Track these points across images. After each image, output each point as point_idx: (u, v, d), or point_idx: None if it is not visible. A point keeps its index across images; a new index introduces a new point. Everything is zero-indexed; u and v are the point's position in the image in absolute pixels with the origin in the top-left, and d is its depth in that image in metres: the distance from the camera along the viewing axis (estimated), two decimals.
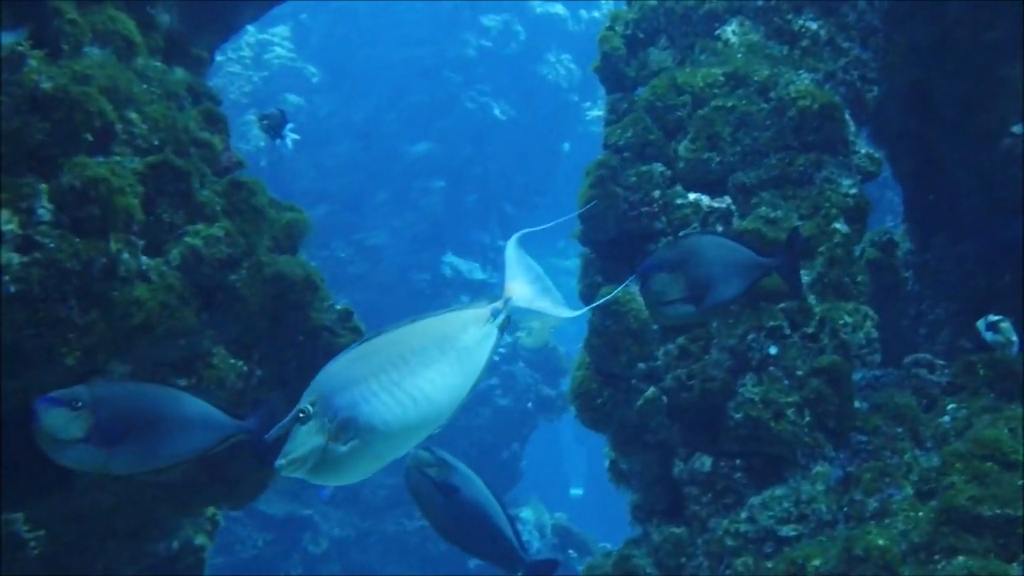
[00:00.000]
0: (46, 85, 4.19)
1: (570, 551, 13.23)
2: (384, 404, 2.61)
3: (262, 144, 13.54)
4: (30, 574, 4.32)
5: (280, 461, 2.59)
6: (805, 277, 4.91)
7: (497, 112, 16.27)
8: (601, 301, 3.09)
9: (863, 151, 5.27)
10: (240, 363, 4.67)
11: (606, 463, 5.62)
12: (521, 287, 2.76)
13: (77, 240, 4.14)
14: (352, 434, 2.59)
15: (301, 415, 2.61)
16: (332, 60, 16.14)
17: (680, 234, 4.94)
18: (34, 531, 4.23)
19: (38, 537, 4.25)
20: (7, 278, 3.94)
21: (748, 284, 4.20)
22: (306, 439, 2.60)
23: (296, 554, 12.56)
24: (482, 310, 2.74)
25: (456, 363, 2.67)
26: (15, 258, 3.98)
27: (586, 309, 2.96)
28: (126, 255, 4.31)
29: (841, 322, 4.80)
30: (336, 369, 2.67)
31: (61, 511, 4.36)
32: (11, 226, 4.00)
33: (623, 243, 5.31)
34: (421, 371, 2.64)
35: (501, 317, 2.72)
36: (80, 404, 3.40)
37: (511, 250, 2.80)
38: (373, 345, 2.66)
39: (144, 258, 4.41)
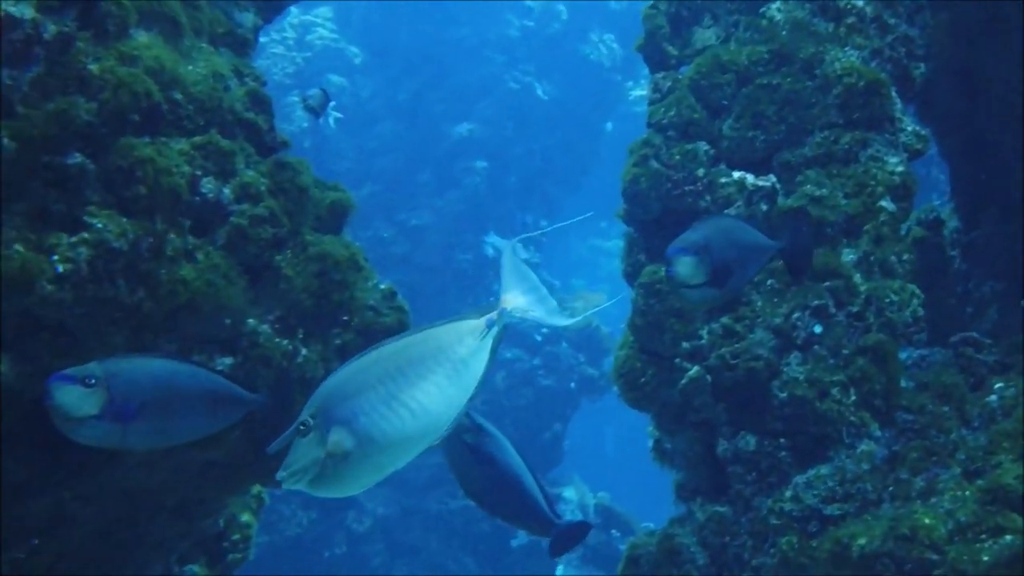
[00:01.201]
0: (93, 67, 4.23)
1: (613, 531, 13.23)
2: (382, 416, 2.65)
3: (305, 125, 13.60)
4: (80, 550, 4.37)
5: (281, 474, 2.64)
6: (851, 255, 4.88)
7: (540, 92, 16.24)
8: (597, 308, 3.09)
9: (910, 128, 5.22)
10: (285, 342, 4.70)
11: (650, 443, 5.62)
12: (516, 297, 2.77)
13: (124, 220, 4.18)
14: (352, 446, 2.63)
15: (301, 428, 2.65)
16: (374, 41, 16.14)
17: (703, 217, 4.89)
18: (83, 508, 4.27)
19: (87, 514, 4.29)
20: (56, 258, 3.98)
21: (761, 266, 4.19)
22: (306, 451, 2.64)
23: (340, 532, 12.63)
24: (478, 321, 2.76)
25: (452, 374, 2.71)
26: (64, 238, 4.02)
27: (580, 317, 2.98)
28: (172, 235, 4.34)
29: (887, 300, 4.77)
30: (335, 382, 2.71)
31: (110, 488, 4.41)
32: (59, 206, 4.04)
33: (667, 222, 5.30)
34: (418, 382, 2.68)
35: (496, 328, 2.75)
36: (93, 381, 3.37)
37: (507, 259, 2.82)
38: (372, 357, 2.70)
39: (190, 238, 4.44)
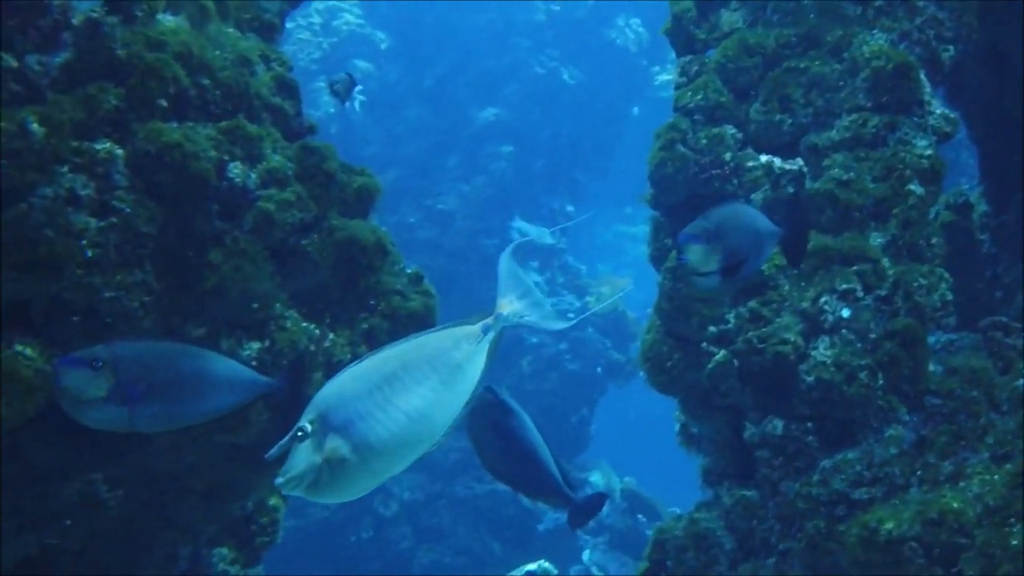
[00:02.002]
0: (121, 52, 4.25)
1: (639, 515, 13.23)
2: (378, 421, 2.66)
3: (332, 110, 13.61)
4: (110, 532, 4.40)
5: (279, 480, 2.65)
6: (879, 239, 4.86)
7: (566, 77, 16.21)
8: (587, 312, 3.11)
9: (939, 111, 5.19)
10: (312, 326, 4.72)
11: (676, 427, 5.62)
12: (511, 303, 2.80)
13: (152, 204, 4.20)
14: (348, 451, 2.65)
15: (299, 434, 2.67)
16: (401, 26, 16.14)
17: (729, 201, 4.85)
18: (113, 491, 4.30)
19: (117, 496, 4.32)
20: (85, 242, 4.00)
21: (770, 252, 4.18)
22: (304, 457, 2.66)
23: (367, 516, 12.67)
24: (473, 327, 2.78)
25: (448, 379, 2.73)
26: (92, 222, 4.04)
27: (574, 321, 2.98)
28: (200, 219, 4.36)
29: (916, 284, 4.74)
30: (333, 387, 2.72)
31: (139, 472, 4.44)
32: (88, 191, 4.06)
33: (693, 206, 5.28)
34: (414, 388, 2.70)
35: (492, 333, 2.77)
36: (100, 364, 3.37)
37: (503, 265, 2.83)
38: (369, 363, 2.73)
39: (218, 222, 4.45)
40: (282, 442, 2.67)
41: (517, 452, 3.83)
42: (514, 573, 4.54)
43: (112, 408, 3.39)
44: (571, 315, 3.04)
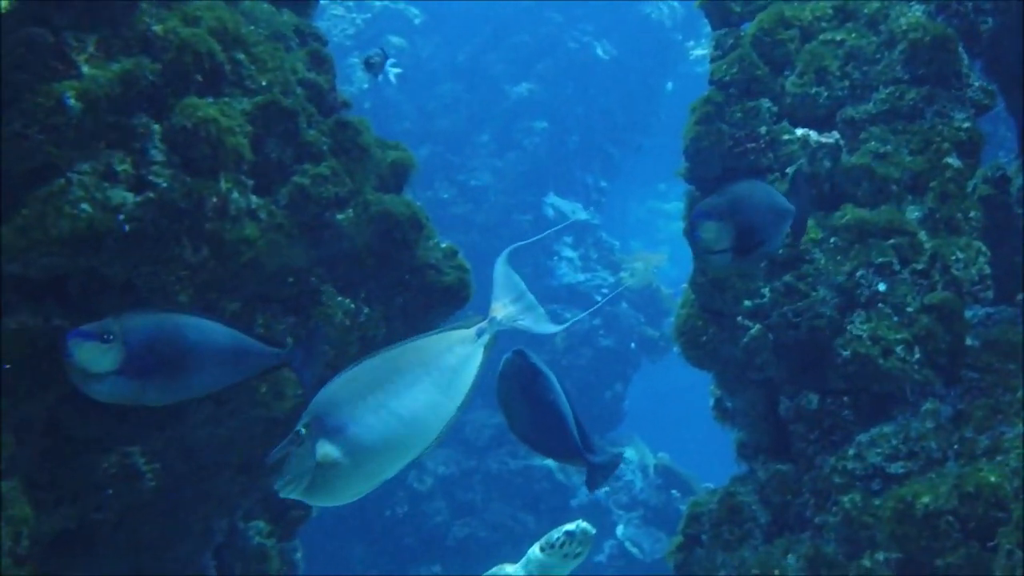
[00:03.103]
0: (156, 28, 4.27)
1: (673, 491, 13.23)
2: (370, 424, 2.70)
3: (366, 86, 13.61)
4: (147, 504, 4.44)
5: (278, 483, 2.70)
6: (916, 212, 4.83)
7: (600, 52, 16.13)
8: (578, 318, 3.13)
9: (976, 84, 5.14)
10: (347, 301, 4.74)
11: (711, 401, 5.61)
12: (505, 306, 2.84)
13: (188, 179, 4.22)
14: (342, 454, 2.68)
15: (296, 437, 2.70)
16: (434, 1, 16.11)
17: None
18: (150, 464, 4.34)
19: (154, 469, 4.35)
20: (122, 217, 4.03)
21: (785, 230, 4.17)
22: (301, 460, 2.69)
23: (402, 491, 12.72)
24: (467, 330, 2.82)
25: (441, 382, 2.77)
26: (129, 197, 4.06)
27: (566, 325, 3.00)
28: (236, 194, 4.38)
29: (953, 258, 4.71)
30: (329, 391, 2.76)
31: (176, 445, 4.47)
32: (125, 166, 4.09)
33: (729, 180, 5.26)
34: (406, 391, 2.73)
35: (486, 336, 2.81)
36: (111, 336, 3.33)
37: (498, 269, 2.86)
38: (365, 366, 2.77)
39: (253, 197, 4.47)
40: (280, 445, 2.71)
41: (541, 413, 3.86)
42: (553, 533, 4.55)
43: (123, 381, 3.36)
44: (568, 317, 3.13)
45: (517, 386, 3.81)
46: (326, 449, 2.69)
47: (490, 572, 4.71)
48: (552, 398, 3.91)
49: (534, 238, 3.16)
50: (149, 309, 3.79)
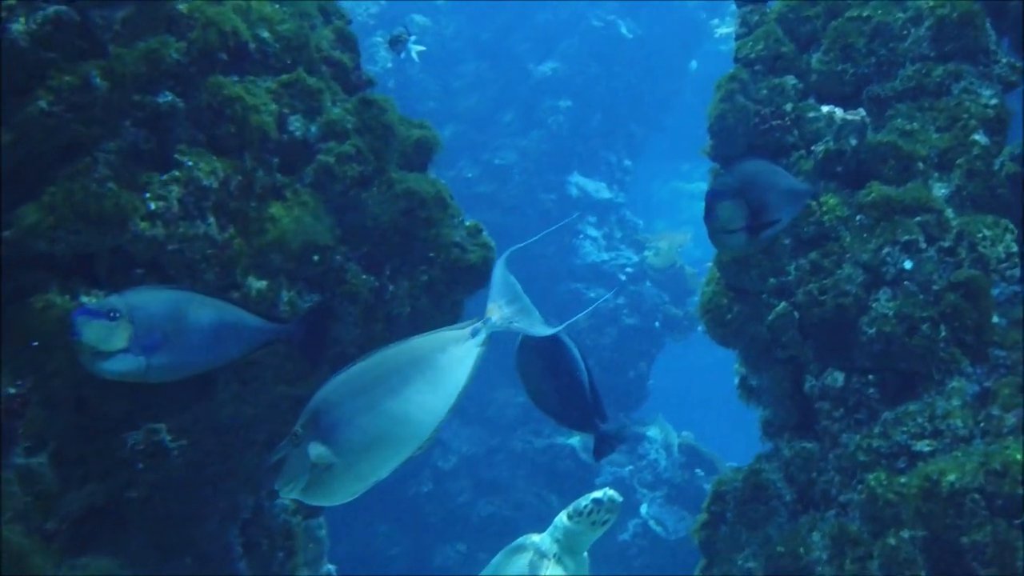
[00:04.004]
0: (181, 6, 4.28)
1: (697, 470, 13.22)
2: (361, 425, 2.74)
3: (390, 65, 13.61)
4: (174, 481, 4.47)
5: (278, 483, 2.76)
6: (942, 190, 4.80)
7: (624, 30, 16.06)
8: (574, 319, 3.13)
9: (1004, 60, 5.09)
10: (372, 278, 4.75)
11: (735, 379, 5.60)
12: (501, 308, 2.86)
13: (214, 158, 4.24)
14: (336, 455, 2.73)
15: (293, 438, 2.75)
16: None
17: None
18: (177, 440, 4.36)
19: (181, 446, 4.38)
20: (148, 195, 4.04)
21: (797, 211, 4.16)
22: (297, 461, 2.74)
23: (426, 470, 12.76)
24: (462, 330, 2.84)
25: (433, 382, 2.78)
26: (155, 176, 4.08)
27: (561, 327, 3.01)
28: (261, 172, 4.40)
29: (979, 235, 4.68)
30: (325, 391, 2.79)
31: (203, 423, 4.49)
32: (151, 144, 4.11)
33: (738, 160, 5.24)
34: (398, 391, 2.76)
35: (481, 336, 2.82)
36: (117, 314, 3.36)
37: (496, 272, 2.90)
38: (360, 367, 2.79)
39: (278, 175, 4.49)
40: (280, 446, 2.77)
41: (557, 380, 3.88)
42: (581, 500, 4.58)
43: (129, 359, 3.39)
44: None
45: (536, 354, 3.83)
46: (319, 450, 2.73)
47: (516, 542, 4.73)
48: (569, 367, 3.93)
49: (532, 239, 3.22)
50: (151, 286, 3.80)
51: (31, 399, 3.94)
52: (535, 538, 4.69)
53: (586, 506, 4.59)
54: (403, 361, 2.80)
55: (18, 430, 3.93)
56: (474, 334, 2.83)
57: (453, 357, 2.82)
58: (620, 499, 4.66)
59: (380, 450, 2.78)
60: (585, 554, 4.71)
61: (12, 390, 3.90)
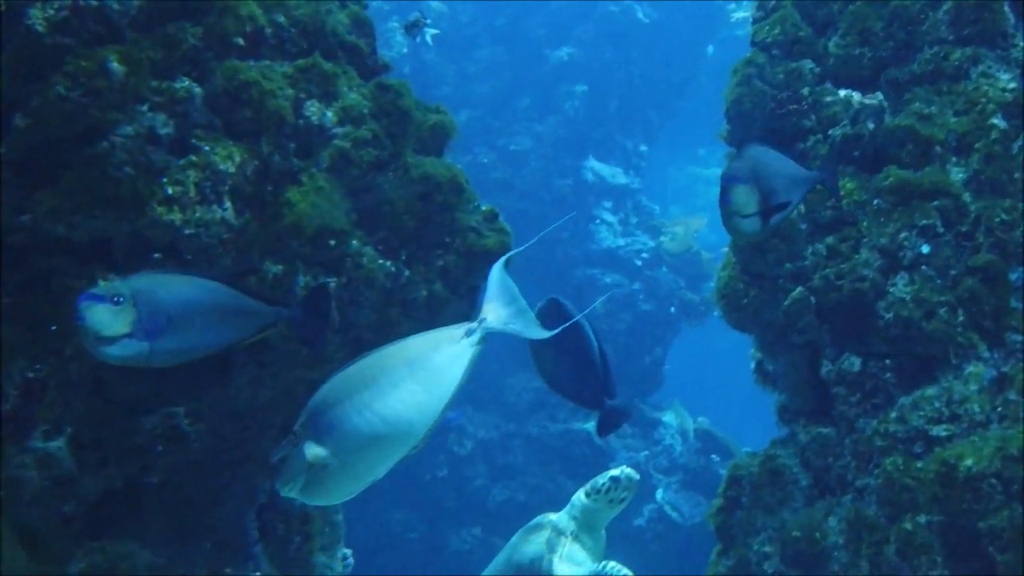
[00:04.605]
0: None
1: (713, 455, 13.22)
2: (355, 425, 2.75)
3: (405, 51, 13.59)
4: (192, 466, 4.48)
5: (277, 483, 2.80)
6: (960, 174, 4.78)
7: (640, 15, 16.00)
8: (567, 324, 3.13)
9: (1022, 44, 5.07)
10: (388, 263, 4.75)
11: (751, 364, 5.60)
12: (496, 309, 2.86)
13: (230, 142, 4.24)
14: (332, 455, 2.75)
15: (292, 438, 2.79)
16: None
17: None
18: (194, 424, 4.38)
19: (198, 430, 4.39)
20: (165, 180, 4.06)
21: (802, 197, 4.16)
22: (296, 461, 2.77)
23: (442, 455, 12.79)
24: (455, 330, 2.85)
25: (426, 382, 2.79)
26: (172, 160, 4.09)
27: (556, 331, 3.02)
28: (277, 157, 4.40)
29: (997, 220, 4.66)
30: (323, 391, 2.81)
31: (220, 407, 4.51)
32: (168, 129, 4.11)
33: (770, 142, 5.22)
34: (391, 391, 2.77)
35: (475, 336, 2.83)
36: (121, 299, 3.35)
37: (494, 274, 2.90)
38: (356, 367, 2.81)
39: (295, 160, 4.49)
40: (280, 445, 2.80)
41: (569, 356, 3.89)
42: (598, 478, 4.59)
43: (133, 344, 3.39)
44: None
45: (548, 325, 3.85)
46: (316, 450, 2.76)
47: (534, 520, 4.74)
48: (582, 344, 3.94)
49: (528, 243, 3.28)
50: (154, 270, 3.80)
51: (49, 383, 3.96)
52: (552, 517, 4.71)
53: (604, 484, 4.60)
54: (397, 361, 2.82)
55: (36, 414, 3.95)
56: (468, 334, 2.84)
57: (447, 357, 2.82)
58: (637, 477, 4.66)
59: (375, 450, 2.80)
60: (602, 532, 4.73)
61: (30, 374, 3.92)
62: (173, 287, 3.53)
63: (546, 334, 2.91)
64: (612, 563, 4.49)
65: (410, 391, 2.78)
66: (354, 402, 2.77)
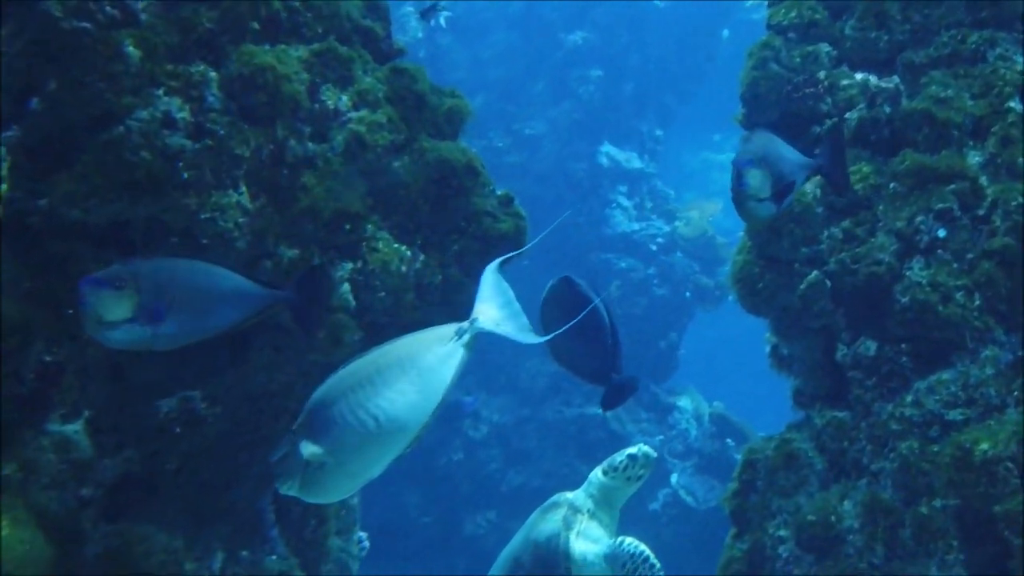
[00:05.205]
0: None
1: (728, 440, 13.21)
2: (349, 424, 2.79)
3: (420, 36, 13.57)
4: (208, 449, 4.50)
5: (276, 480, 2.84)
6: (977, 157, 4.76)
7: None
8: (558, 331, 3.12)
9: None
10: (404, 247, 4.75)
11: (767, 349, 5.59)
12: (490, 310, 2.87)
13: (246, 127, 4.25)
14: (328, 453, 2.80)
15: (291, 437, 2.83)
16: None
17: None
18: (211, 408, 4.39)
19: (215, 414, 4.41)
20: (181, 164, 4.06)
21: (803, 182, 4.15)
22: (294, 459, 2.81)
23: (457, 439, 12.82)
24: (447, 330, 2.87)
25: (417, 381, 2.82)
26: (188, 144, 4.09)
27: (547, 337, 3.01)
28: (293, 141, 4.41)
29: (1015, 203, 4.63)
30: (321, 390, 2.85)
31: (236, 390, 4.52)
32: (183, 114, 4.11)
33: (786, 126, 5.21)
34: (383, 391, 2.80)
35: (466, 336, 2.84)
36: (124, 284, 3.34)
37: (488, 274, 2.91)
38: (352, 366, 2.84)
39: (310, 144, 4.49)
40: (280, 443, 2.84)
41: (580, 333, 3.91)
42: (616, 456, 4.60)
43: (136, 328, 3.38)
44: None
45: (559, 302, 3.86)
46: (312, 448, 2.81)
47: (550, 499, 4.75)
48: (594, 321, 3.96)
49: (524, 248, 3.34)
50: (156, 255, 3.80)
51: (66, 367, 3.97)
52: (569, 495, 4.71)
53: (621, 461, 4.60)
54: (390, 361, 2.85)
55: (54, 398, 3.96)
56: (459, 335, 2.85)
57: (438, 357, 2.84)
58: (655, 454, 4.67)
59: (369, 448, 2.84)
60: (618, 510, 4.73)
61: (47, 358, 3.93)
62: (174, 271, 3.53)
63: (537, 339, 2.92)
64: (629, 538, 4.50)
65: (402, 391, 2.81)
66: (349, 401, 2.81)
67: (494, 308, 2.88)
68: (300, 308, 3.84)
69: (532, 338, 2.90)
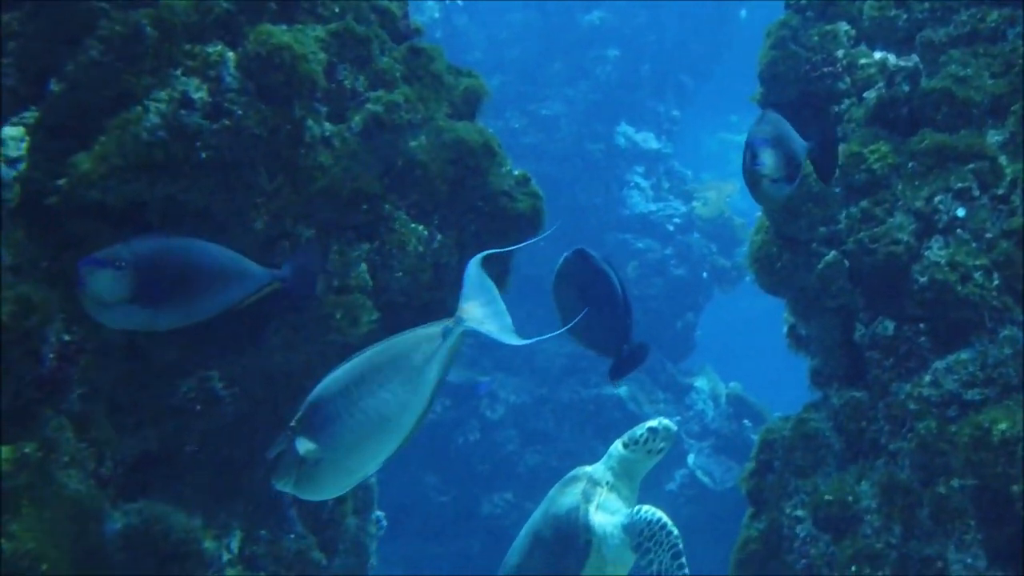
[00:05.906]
0: None
1: (745, 420, 13.22)
2: (343, 423, 2.83)
3: (437, 16, 13.56)
4: (225, 430, 4.52)
5: (274, 477, 2.88)
6: (996, 136, 4.74)
7: None
8: (547, 336, 3.11)
9: None
10: (421, 227, 4.75)
11: (784, 328, 5.58)
12: (474, 308, 2.87)
13: (263, 107, 4.25)
14: (324, 450, 2.83)
15: (288, 434, 2.86)
16: None
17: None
18: (229, 388, 4.41)
19: (233, 393, 4.42)
20: (199, 144, 4.06)
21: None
22: (291, 456, 2.86)
23: (474, 419, 12.84)
24: (434, 329, 2.87)
25: (407, 380, 2.85)
26: (206, 125, 4.10)
27: (531, 340, 3.01)
28: (310, 121, 4.40)
29: None
30: (319, 388, 2.88)
31: (253, 370, 4.53)
32: (201, 94, 4.12)
33: (804, 105, 5.20)
34: (376, 390, 2.84)
35: (453, 336, 2.84)
36: (122, 264, 3.35)
37: (471, 271, 2.90)
38: (348, 365, 2.87)
39: (327, 124, 4.49)
40: (278, 441, 2.87)
41: (590, 301, 3.92)
42: (636, 429, 4.60)
43: (136, 308, 3.40)
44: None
45: (573, 280, 3.87)
46: (308, 446, 2.84)
47: (570, 473, 4.75)
48: (606, 291, 3.97)
49: (511, 248, 3.37)
50: (154, 235, 3.80)
51: (85, 347, 3.99)
52: (588, 468, 4.71)
53: (642, 434, 4.60)
54: (382, 360, 2.88)
55: (73, 377, 3.98)
56: (445, 334, 2.86)
57: (425, 355, 2.86)
58: (675, 428, 4.67)
59: (364, 445, 2.87)
60: (638, 483, 4.73)
61: (67, 337, 3.94)
62: (172, 250, 3.53)
63: (520, 342, 2.92)
64: (646, 506, 4.49)
65: (393, 391, 2.84)
66: (344, 399, 2.84)
67: (478, 306, 2.89)
68: (290, 284, 3.84)
69: (514, 339, 2.90)
